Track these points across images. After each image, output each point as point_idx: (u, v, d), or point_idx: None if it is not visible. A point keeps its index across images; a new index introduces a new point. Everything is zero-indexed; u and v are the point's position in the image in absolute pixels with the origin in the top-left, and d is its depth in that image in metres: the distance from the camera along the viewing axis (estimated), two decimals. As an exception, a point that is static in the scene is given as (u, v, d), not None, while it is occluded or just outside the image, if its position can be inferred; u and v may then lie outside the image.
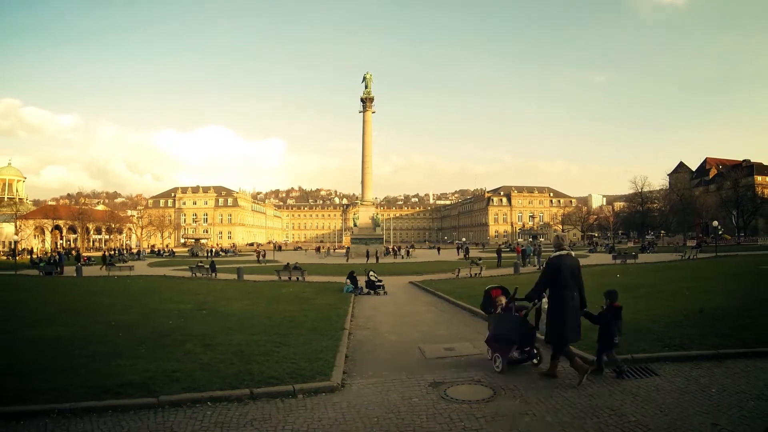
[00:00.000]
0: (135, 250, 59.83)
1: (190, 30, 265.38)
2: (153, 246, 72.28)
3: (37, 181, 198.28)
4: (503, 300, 6.28)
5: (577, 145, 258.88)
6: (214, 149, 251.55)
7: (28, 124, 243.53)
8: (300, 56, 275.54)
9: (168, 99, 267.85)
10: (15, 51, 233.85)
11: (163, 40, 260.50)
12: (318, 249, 43.52)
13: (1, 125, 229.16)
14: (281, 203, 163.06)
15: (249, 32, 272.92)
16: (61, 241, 71.42)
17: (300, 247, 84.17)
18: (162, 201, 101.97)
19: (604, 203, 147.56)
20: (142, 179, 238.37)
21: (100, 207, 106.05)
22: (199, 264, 25.13)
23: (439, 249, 54.86)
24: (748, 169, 77.09)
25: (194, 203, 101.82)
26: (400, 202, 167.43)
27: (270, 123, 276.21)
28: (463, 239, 78.77)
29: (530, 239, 57.33)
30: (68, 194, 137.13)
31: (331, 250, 54.39)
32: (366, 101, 47.08)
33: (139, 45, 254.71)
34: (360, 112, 47.50)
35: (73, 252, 53.41)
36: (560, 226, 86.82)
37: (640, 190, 71.11)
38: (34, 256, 42.82)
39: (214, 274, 22.61)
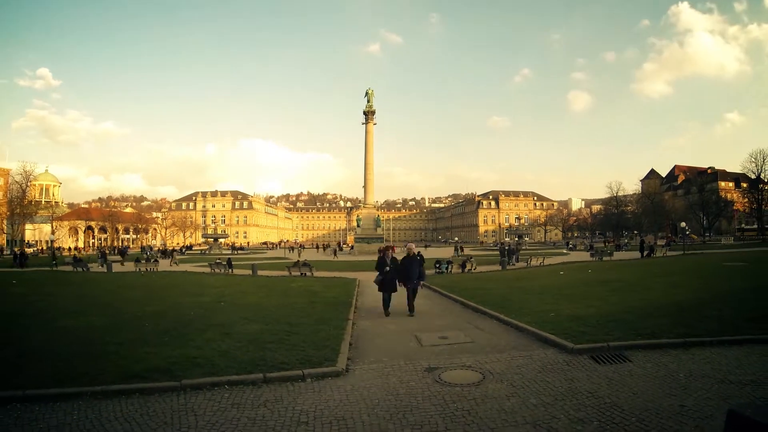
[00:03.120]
0: (160, 248, 59.73)
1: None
2: (177, 245, 72.26)
3: (109, 185, 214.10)
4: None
5: (560, 153, 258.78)
6: (237, 157, 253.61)
7: (96, 135, 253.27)
8: (304, 70, 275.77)
9: (192, 114, 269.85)
10: (94, 77, 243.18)
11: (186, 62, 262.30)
12: (337, 247, 43.74)
13: (72, 137, 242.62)
14: (291, 206, 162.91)
15: (252, 38, 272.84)
16: (93, 240, 71.43)
17: (309, 245, 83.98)
18: (184, 204, 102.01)
19: (583, 206, 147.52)
20: (175, 186, 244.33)
21: (128, 209, 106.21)
22: (218, 261, 25.11)
23: (426, 246, 60.76)
24: (712, 175, 77.31)
25: (213, 206, 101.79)
26: (399, 205, 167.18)
27: (284, 134, 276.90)
28: (456, 239, 79.70)
29: (516, 238, 57.17)
30: (99, 198, 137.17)
31: (338, 250, 54.48)
32: (368, 114, 47.00)
33: (176, 67, 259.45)
34: (363, 124, 47.36)
35: (107, 250, 53.42)
36: (544, 227, 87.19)
37: (615, 194, 71.50)
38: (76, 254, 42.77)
39: (230, 270, 22.60)
